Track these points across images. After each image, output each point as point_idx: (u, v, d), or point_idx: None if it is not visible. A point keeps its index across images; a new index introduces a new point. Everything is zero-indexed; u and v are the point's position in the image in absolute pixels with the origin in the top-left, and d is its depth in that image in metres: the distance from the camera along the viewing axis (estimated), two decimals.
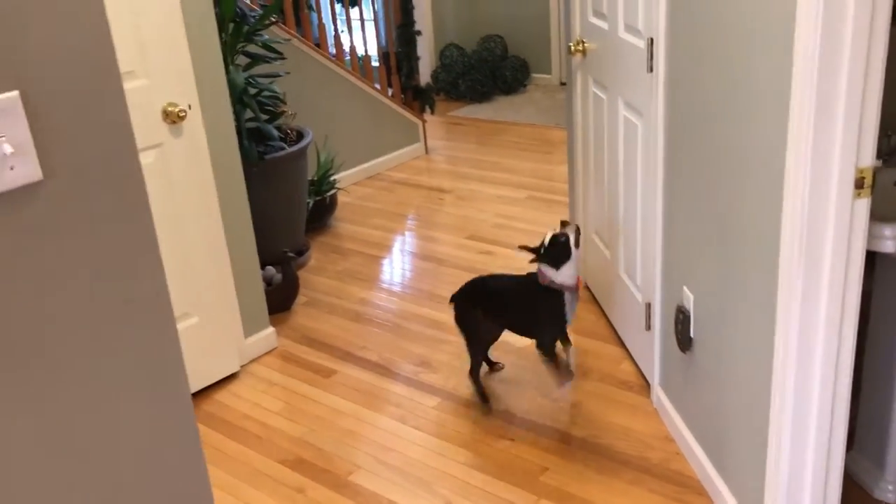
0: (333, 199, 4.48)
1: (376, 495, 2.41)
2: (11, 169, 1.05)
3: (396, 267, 3.99)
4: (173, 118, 2.66)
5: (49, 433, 1.14)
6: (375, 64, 6.14)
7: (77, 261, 1.13)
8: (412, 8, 5.25)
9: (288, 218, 3.89)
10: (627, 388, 2.82)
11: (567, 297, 2.63)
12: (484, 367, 2.89)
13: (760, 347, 1.88)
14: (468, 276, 2.90)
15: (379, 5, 6.32)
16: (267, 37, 3.74)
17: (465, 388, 2.87)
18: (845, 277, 1.68)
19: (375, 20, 5.42)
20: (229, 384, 3.01)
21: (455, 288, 2.81)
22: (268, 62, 3.70)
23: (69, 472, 1.17)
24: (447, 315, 3.08)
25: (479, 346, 2.80)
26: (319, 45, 4.81)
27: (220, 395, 2.95)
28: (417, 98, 5.44)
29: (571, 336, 2.86)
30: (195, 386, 2.89)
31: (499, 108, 6.56)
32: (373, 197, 4.87)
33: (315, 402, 2.88)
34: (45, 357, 1.11)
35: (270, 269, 3.54)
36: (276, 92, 3.77)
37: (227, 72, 3.27)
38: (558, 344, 2.80)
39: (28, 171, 1.07)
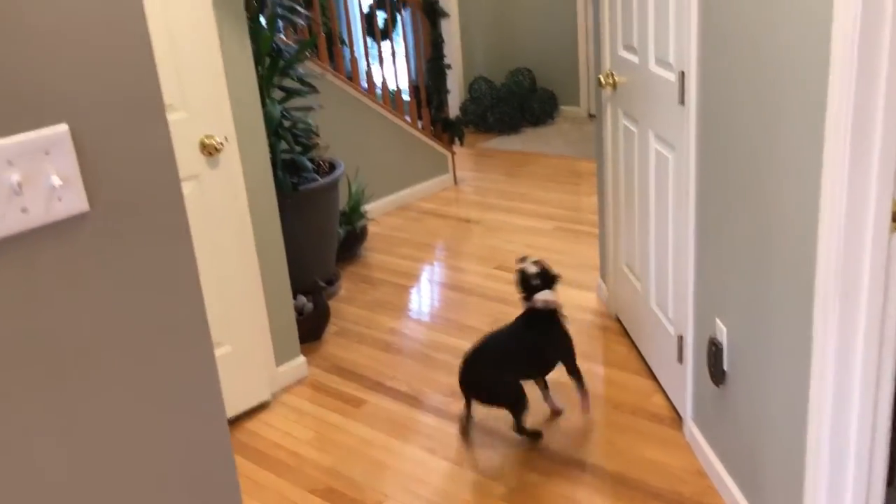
0: (364, 229, 4.52)
1: None
2: (59, 200, 1.08)
3: (425, 297, 4.00)
4: (210, 150, 2.71)
5: (86, 459, 1.16)
6: (406, 97, 6.21)
7: (120, 289, 1.15)
8: (442, 42, 5.33)
9: (319, 248, 3.93)
10: (659, 421, 2.79)
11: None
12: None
13: (796, 383, 1.86)
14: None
15: (409, 40, 6.41)
16: (301, 71, 3.81)
17: (495, 418, 2.86)
18: (883, 312, 1.66)
19: (406, 54, 5.50)
20: (261, 413, 3.03)
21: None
22: (302, 95, 3.76)
23: (106, 499, 1.19)
24: None
25: (514, 404, 2.72)
26: (352, 78, 4.89)
27: (252, 424, 2.97)
28: (447, 130, 5.50)
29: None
30: (227, 414, 2.90)
31: (527, 140, 6.59)
32: (402, 227, 4.91)
33: (345, 432, 2.89)
34: (88, 381, 1.14)
35: (302, 299, 3.57)
36: (309, 124, 3.83)
37: (263, 105, 3.33)
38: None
39: (75, 202, 1.10)
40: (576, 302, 3.68)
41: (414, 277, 4.20)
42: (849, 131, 1.55)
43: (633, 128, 2.97)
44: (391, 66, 5.82)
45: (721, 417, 2.37)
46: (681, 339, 2.63)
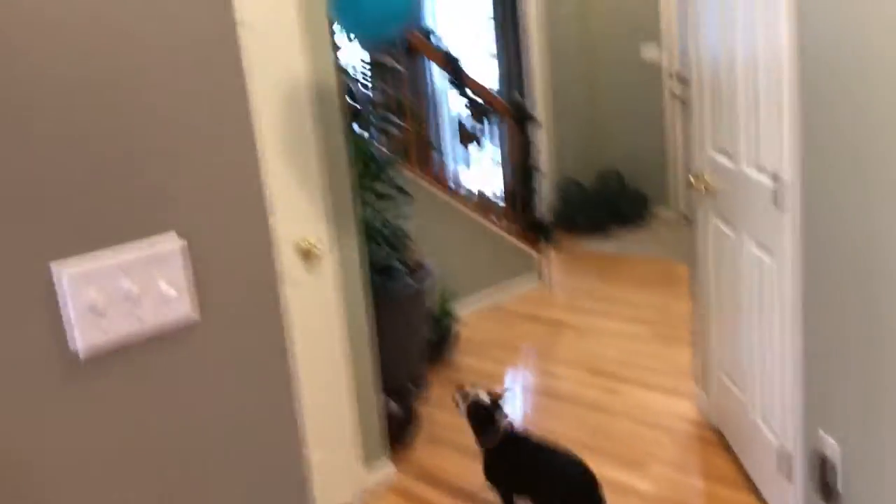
0: (454, 331, 4.51)
1: None
2: (170, 309, 1.12)
3: (516, 403, 3.93)
4: (307, 254, 2.79)
5: None
6: (495, 199, 6.29)
7: (224, 393, 1.17)
8: (531, 146, 5.41)
9: (409, 350, 3.94)
10: None
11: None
12: None
13: None
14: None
15: (499, 144, 6.54)
16: (395, 176, 3.92)
17: None
18: None
19: (496, 158, 5.62)
20: None
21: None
22: (395, 200, 3.86)
23: None
24: None
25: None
26: (442, 182, 5.00)
27: None
28: (536, 232, 5.52)
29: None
30: None
31: (618, 242, 6.54)
32: (492, 330, 4.88)
33: None
34: (188, 480, 1.14)
35: (391, 402, 3.56)
36: (402, 228, 3.91)
37: (358, 209, 3.43)
38: None
39: (186, 311, 1.14)
40: (672, 411, 3.54)
41: (504, 382, 4.14)
42: None
43: (728, 231, 2.90)
44: (481, 170, 5.95)
45: None
46: (787, 453, 2.48)
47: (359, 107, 3.74)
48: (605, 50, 7.04)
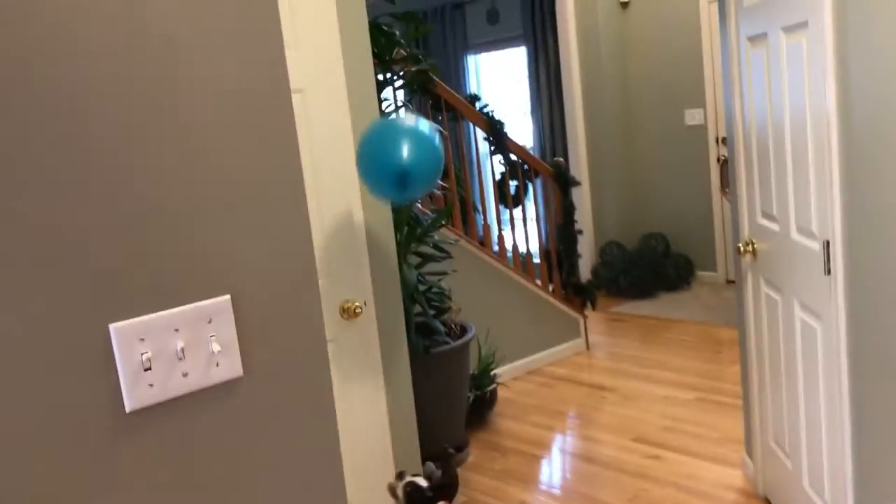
0: (493, 393, 4.47)
1: None
2: (217, 366, 1.14)
3: (557, 468, 3.86)
4: (349, 314, 2.81)
5: None
6: (537, 261, 6.29)
7: (268, 451, 1.18)
8: (573, 208, 5.43)
9: (449, 412, 3.91)
10: None
11: None
12: None
13: None
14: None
15: (541, 206, 6.57)
16: (437, 237, 3.95)
17: None
18: None
19: (537, 219, 5.63)
20: None
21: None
22: (437, 261, 3.89)
23: None
24: None
25: None
26: (484, 243, 5.02)
27: None
28: (578, 294, 5.48)
29: None
30: None
31: (662, 305, 6.46)
32: (533, 393, 4.83)
33: None
34: None
35: (430, 465, 3.51)
36: (443, 288, 3.92)
37: (400, 270, 3.45)
38: None
39: (231, 367, 1.15)
40: (719, 480, 3.44)
41: (545, 447, 4.07)
42: None
43: (775, 296, 2.86)
44: (523, 232, 5.96)
45: None
46: None
47: None
48: (647, 114, 7.08)
